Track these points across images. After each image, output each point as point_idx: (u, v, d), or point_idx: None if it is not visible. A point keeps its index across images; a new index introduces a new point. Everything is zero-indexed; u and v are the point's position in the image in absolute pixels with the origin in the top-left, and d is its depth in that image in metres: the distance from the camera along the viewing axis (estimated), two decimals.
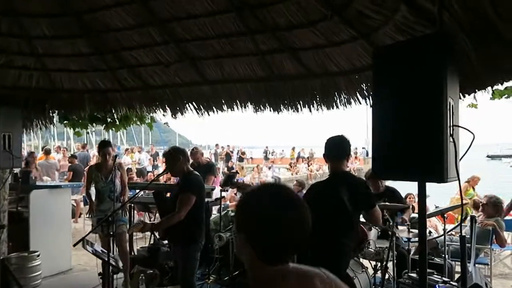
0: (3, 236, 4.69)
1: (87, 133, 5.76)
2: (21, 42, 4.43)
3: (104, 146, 4.87)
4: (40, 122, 5.03)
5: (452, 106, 1.87)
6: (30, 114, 4.91)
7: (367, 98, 3.64)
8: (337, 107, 3.86)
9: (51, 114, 5.03)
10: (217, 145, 22.67)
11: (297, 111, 4.11)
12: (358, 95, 3.69)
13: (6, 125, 4.16)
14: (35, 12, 4.06)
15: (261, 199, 1.13)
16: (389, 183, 4.52)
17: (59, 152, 13.38)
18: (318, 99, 3.92)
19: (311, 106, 3.98)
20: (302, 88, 3.93)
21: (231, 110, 4.45)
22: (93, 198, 4.89)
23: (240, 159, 21.87)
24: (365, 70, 3.50)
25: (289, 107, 4.10)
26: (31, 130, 5.12)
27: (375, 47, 2.93)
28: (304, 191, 8.73)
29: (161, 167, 14.04)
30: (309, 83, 3.87)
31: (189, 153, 5.03)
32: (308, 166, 21.06)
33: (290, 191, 1.15)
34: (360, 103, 3.75)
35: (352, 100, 3.76)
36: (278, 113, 4.24)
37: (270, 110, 4.25)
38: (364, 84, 3.61)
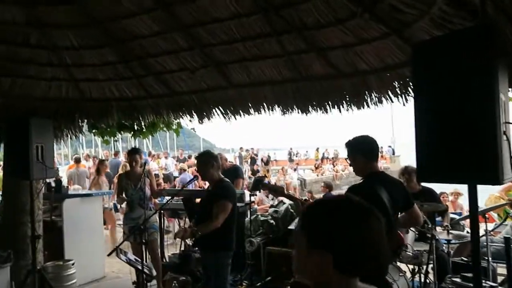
0: (39, 246, 4.78)
1: (115, 140, 5.82)
2: (50, 54, 4.50)
3: (132, 153, 4.92)
4: (70, 132, 5.09)
5: (504, 102, 1.74)
6: (60, 124, 4.99)
7: (399, 97, 3.51)
8: (368, 106, 3.74)
9: (80, 123, 5.09)
10: (241, 148, 22.61)
11: (326, 112, 4.01)
12: (390, 93, 3.57)
13: (38, 136, 4.22)
14: (62, 23, 4.11)
15: (346, 212, 1.08)
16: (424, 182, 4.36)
17: (88, 160, 13.67)
18: (347, 99, 3.81)
19: (341, 106, 3.88)
20: (331, 89, 3.83)
21: (258, 113, 4.38)
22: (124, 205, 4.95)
23: (265, 163, 21.80)
24: (397, 68, 3.37)
25: (318, 108, 4.01)
26: (62, 140, 5.20)
27: (411, 43, 2.82)
28: (333, 193, 8.59)
29: (188, 172, 14.07)
30: (338, 83, 3.77)
31: None
32: (334, 166, 20.78)
33: (364, 202, 1.13)
34: (392, 102, 3.62)
35: (383, 99, 3.64)
36: (306, 114, 4.14)
37: (298, 112, 4.15)
38: (396, 82, 3.48)
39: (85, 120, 5.07)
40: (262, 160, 21.77)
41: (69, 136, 5.09)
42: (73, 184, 9.17)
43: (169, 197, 4.65)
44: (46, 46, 4.39)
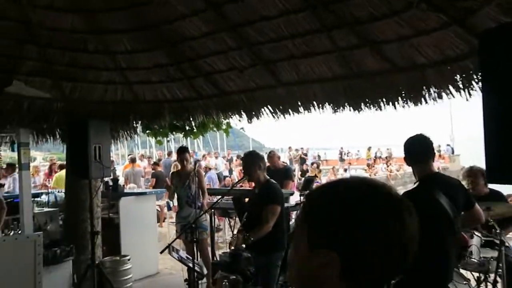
0: (98, 241, 5.02)
1: (168, 141, 5.98)
2: (106, 58, 4.68)
3: (181, 152, 5.03)
4: (125, 133, 5.29)
5: None
6: (116, 126, 5.19)
7: (461, 91, 3.27)
8: (426, 102, 3.52)
9: (134, 125, 5.25)
10: (290, 148, 22.32)
11: (380, 109, 3.82)
12: (450, 88, 3.33)
13: (96, 137, 4.42)
14: (116, 28, 4.27)
15: (366, 198, 0.77)
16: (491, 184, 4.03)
17: (143, 160, 14.22)
18: (403, 95, 3.61)
19: (396, 103, 3.68)
20: (386, 84, 3.64)
21: (308, 112, 4.26)
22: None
23: (316, 162, 21.45)
24: (459, 60, 3.14)
25: (371, 106, 3.83)
26: (118, 140, 5.42)
27: (474, 32, 2.60)
28: None
29: (235, 172, 14.27)
30: (394, 78, 3.58)
31: (266, 156, 5.00)
32: (387, 166, 20.00)
33: (394, 190, 0.81)
34: (454, 97, 3.37)
35: (443, 94, 3.41)
36: (359, 112, 3.96)
37: (350, 110, 3.98)
38: (458, 76, 3.24)
39: (139, 122, 5.21)
40: (312, 164, 21.39)
41: (124, 137, 5.28)
42: (129, 183, 9.57)
43: (219, 197, 4.68)
44: (102, 51, 4.58)
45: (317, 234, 0.78)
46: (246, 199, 4.47)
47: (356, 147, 31.18)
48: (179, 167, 5.36)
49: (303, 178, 13.49)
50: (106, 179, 5.65)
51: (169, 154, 14.85)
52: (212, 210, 5.04)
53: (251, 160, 3.61)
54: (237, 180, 4.72)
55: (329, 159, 26.30)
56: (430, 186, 2.56)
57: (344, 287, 0.76)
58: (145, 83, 4.91)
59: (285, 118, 4.43)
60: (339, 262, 0.75)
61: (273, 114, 4.48)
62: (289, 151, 21.98)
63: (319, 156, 22.85)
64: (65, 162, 6.24)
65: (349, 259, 0.75)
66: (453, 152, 24.45)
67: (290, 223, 5.25)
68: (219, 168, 14.69)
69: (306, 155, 21.32)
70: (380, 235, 0.75)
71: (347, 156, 25.79)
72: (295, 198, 5.39)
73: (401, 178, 18.37)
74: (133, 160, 11.14)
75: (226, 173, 14.53)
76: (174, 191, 5.12)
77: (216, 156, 16.11)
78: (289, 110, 4.37)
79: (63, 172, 8.34)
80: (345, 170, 18.48)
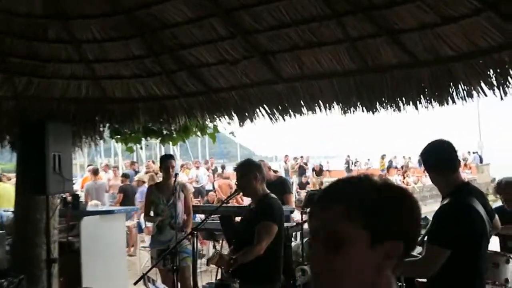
0: (55, 271, 4.91)
1: (141, 148, 5.94)
2: (69, 48, 4.62)
3: (166, 159, 4.99)
4: (90, 138, 5.20)
5: None
6: (79, 130, 5.10)
7: (495, 88, 3.34)
8: (453, 101, 3.58)
9: (101, 128, 5.19)
10: (286, 156, 22.11)
11: (398, 110, 3.87)
12: (482, 84, 3.40)
13: (55, 143, 4.34)
14: (85, 13, 4.23)
15: (409, 194, 1.11)
16: None
17: (107, 171, 14.04)
18: (426, 92, 3.66)
19: (418, 102, 3.74)
20: (405, 80, 3.69)
21: (313, 112, 4.28)
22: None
23: (318, 173, 20.91)
24: (492, 52, 3.21)
25: (388, 105, 3.86)
26: (81, 148, 5.32)
27: None
28: None
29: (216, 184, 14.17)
30: (415, 73, 3.63)
31: None
32: (404, 178, 19.99)
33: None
34: (486, 95, 3.45)
35: (474, 92, 3.47)
36: (373, 113, 4.01)
37: (363, 110, 4.01)
38: (491, 70, 3.31)
39: (107, 125, 5.17)
40: (314, 169, 21.04)
41: (88, 143, 5.21)
42: (91, 199, 9.42)
43: (205, 216, 4.67)
44: (65, 40, 4.52)
45: (383, 229, 1.03)
46: (238, 219, 4.48)
47: (366, 155, 31.25)
48: (156, 179, 5.32)
49: (302, 192, 13.44)
50: (63, 195, 5.57)
51: (132, 164, 14.59)
52: (195, 232, 5.12)
53: (246, 170, 3.57)
54: (230, 195, 4.66)
55: (333, 170, 25.51)
56: (467, 196, 2.61)
57: (393, 267, 1.05)
58: (115, 78, 4.87)
59: (284, 120, 4.44)
60: (403, 248, 1.04)
61: (271, 115, 4.48)
62: (285, 160, 21.70)
63: (321, 165, 22.69)
64: (14, 174, 6.11)
65: (408, 243, 1.05)
66: (481, 161, 24.64)
67: (293, 244, 5.25)
68: (201, 180, 14.53)
69: (306, 164, 21.13)
70: (419, 219, 1.10)
71: (355, 165, 25.60)
72: (295, 216, 5.39)
73: (420, 192, 18.35)
74: (95, 172, 11.01)
75: (209, 186, 14.31)
76: (153, 210, 5.04)
77: (197, 166, 15.69)
78: (290, 110, 4.36)
79: (7, 185, 8.22)
80: None
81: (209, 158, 20.26)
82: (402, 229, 1.05)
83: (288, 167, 20.59)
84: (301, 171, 19.89)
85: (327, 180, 21.17)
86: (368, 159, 28.44)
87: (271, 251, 3.38)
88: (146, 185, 9.82)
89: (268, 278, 3.46)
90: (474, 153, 25.30)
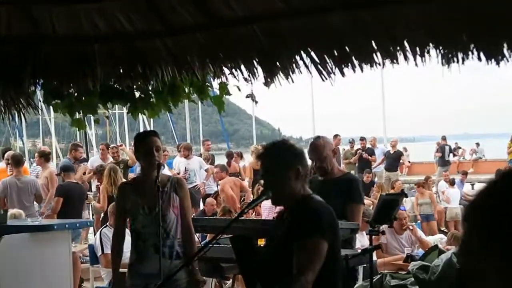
0: None
1: (95, 121, 4.83)
2: None
3: (147, 137, 3.67)
4: (10, 105, 4.07)
5: None
6: None
7: None
8: None
9: (30, 88, 4.06)
10: (337, 137, 13.48)
11: None
12: None
13: None
14: None
15: None
16: None
17: (39, 160, 9.11)
18: None
19: None
20: None
21: (393, 62, 3.09)
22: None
23: (392, 164, 13.46)
24: None
25: None
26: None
27: None
28: None
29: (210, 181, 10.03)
30: None
31: None
32: None
33: None
34: None
35: None
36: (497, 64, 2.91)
37: (490, 61, 2.89)
38: None
39: (39, 82, 3.97)
40: (388, 157, 13.51)
41: (6, 112, 4.06)
42: (9, 206, 6.56)
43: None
44: None
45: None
46: (260, 241, 3.74)
47: (467, 138, 22.15)
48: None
49: (369, 199, 9.16)
50: None
51: (75, 148, 9.58)
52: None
53: (279, 160, 2.78)
54: (252, 201, 3.56)
55: (414, 161, 19.51)
56: None
57: None
58: (55, 3, 3.65)
59: (343, 75, 3.35)
60: None
61: (320, 66, 3.29)
62: (335, 140, 12.66)
63: (399, 153, 14.79)
64: None
65: None
66: None
67: (357, 285, 4.18)
68: (192, 178, 10.03)
69: (371, 153, 13.27)
70: None
71: (454, 155, 17.52)
72: (362, 240, 4.21)
73: None
74: (17, 162, 7.51)
75: (210, 188, 9.79)
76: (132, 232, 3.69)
77: (185, 153, 10.44)
78: (354, 58, 3.18)
79: None
80: (451, 183, 11.44)
81: (203, 140, 13.39)
82: None
83: (339, 156, 11.75)
84: (363, 163, 12.71)
85: (409, 179, 15.20)
86: (478, 145, 20.14)
87: (324, 281, 2.65)
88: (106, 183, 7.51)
89: None
90: None
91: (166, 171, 7.76)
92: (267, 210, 7.15)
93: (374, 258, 4.36)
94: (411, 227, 6.05)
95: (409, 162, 18.28)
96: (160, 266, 3.24)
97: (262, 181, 2.91)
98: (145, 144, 3.59)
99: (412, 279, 4.55)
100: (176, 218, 3.60)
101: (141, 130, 20.61)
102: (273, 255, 2.83)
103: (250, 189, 9.73)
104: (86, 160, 10.37)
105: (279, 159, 2.74)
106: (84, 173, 9.26)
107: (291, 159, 2.72)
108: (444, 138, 16.94)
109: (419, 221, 9.59)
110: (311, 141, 4.17)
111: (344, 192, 3.85)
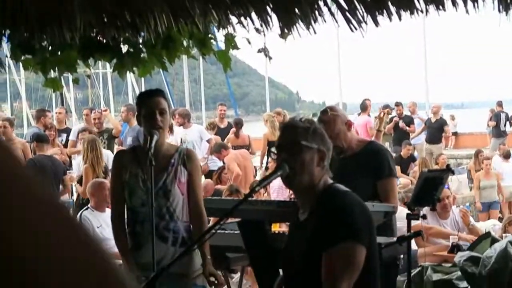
0: None
1: (74, 80, 4.51)
2: None
3: (150, 97, 3.17)
4: None
5: None
6: None
7: None
8: None
9: None
10: (366, 102, 11.04)
11: None
12: None
13: None
14: None
15: None
16: None
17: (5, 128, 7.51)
18: None
19: None
20: None
21: (437, 8, 2.81)
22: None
23: (434, 135, 11.54)
24: None
25: None
26: None
27: None
28: None
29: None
30: None
31: None
32: None
33: None
34: None
35: None
36: None
37: None
38: None
39: (6, 32, 3.59)
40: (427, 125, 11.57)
41: None
42: None
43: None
44: None
45: None
46: (275, 227, 3.56)
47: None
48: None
49: (402, 177, 8.16)
50: None
51: (42, 114, 8.23)
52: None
53: (302, 139, 2.43)
54: (263, 178, 3.64)
55: (462, 133, 16.83)
56: None
57: None
58: None
59: (377, 25, 3.02)
60: None
61: (349, 13, 2.92)
62: (367, 105, 10.75)
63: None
64: None
65: None
66: None
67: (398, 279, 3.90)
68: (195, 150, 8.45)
69: (409, 122, 11.34)
70: None
71: (511, 124, 14.31)
72: (401, 224, 3.54)
73: None
74: None
75: (214, 163, 8.47)
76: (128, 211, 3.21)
77: (180, 121, 8.72)
78: (390, 2, 2.84)
79: None
80: (507, 155, 9.81)
81: (219, 104, 11.03)
82: None
83: (372, 125, 9.70)
84: (400, 134, 10.91)
85: (452, 153, 13.21)
86: None
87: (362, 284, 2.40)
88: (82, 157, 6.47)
89: None
90: None
91: (175, 140, 7.15)
92: (276, 191, 6.28)
93: (414, 247, 3.94)
94: (463, 210, 5.21)
95: (456, 132, 16.27)
96: (153, 254, 2.79)
97: (274, 150, 2.54)
98: (147, 106, 3.10)
99: (459, 273, 4.24)
100: (183, 197, 3.14)
101: (129, 92, 17.28)
102: (295, 251, 2.52)
103: (264, 165, 8.45)
104: (69, 129, 8.60)
105: (298, 136, 2.42)
106: (66, 146, 7.86)
107: (314, 138, 2.43)
108: (500, 104, 14.58)
109: (478, 210, 7.93)
110: (318, 116, 3.66)
111: (370, 167, 3.41)
